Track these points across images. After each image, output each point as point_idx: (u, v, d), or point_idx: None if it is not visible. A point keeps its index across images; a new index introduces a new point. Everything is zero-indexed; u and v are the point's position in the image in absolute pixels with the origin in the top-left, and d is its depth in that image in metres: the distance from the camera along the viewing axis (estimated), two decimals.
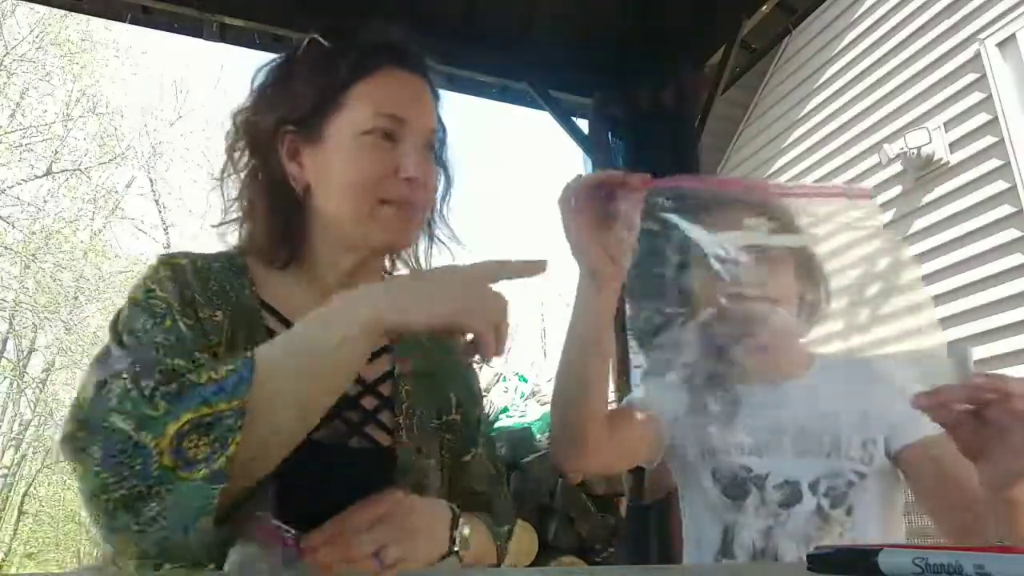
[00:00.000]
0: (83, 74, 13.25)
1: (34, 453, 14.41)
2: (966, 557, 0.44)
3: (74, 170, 13.24)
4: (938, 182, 4.55)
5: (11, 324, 12.90)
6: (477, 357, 0.73)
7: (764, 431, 1.08)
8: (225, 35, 2.56)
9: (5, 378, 13.44)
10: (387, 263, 1.04)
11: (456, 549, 0.81)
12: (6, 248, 12.17)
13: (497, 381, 3.60)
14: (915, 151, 4.50)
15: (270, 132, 0.91)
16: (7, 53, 12.23)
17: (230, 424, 0.64)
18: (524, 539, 2.56)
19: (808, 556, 0.56)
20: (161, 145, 14.65)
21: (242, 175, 0.95)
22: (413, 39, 0.95)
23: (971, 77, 4.38)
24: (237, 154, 0.95)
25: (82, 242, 13.24)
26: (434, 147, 0.96)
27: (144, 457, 0.63)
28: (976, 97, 4.34)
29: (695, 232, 0.89)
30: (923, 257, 4.58)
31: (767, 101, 6.00)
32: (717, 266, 0.89)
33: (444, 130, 1.01)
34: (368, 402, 0.90)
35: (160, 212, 14.90)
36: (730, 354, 1.05)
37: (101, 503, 0.64)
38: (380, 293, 0.73)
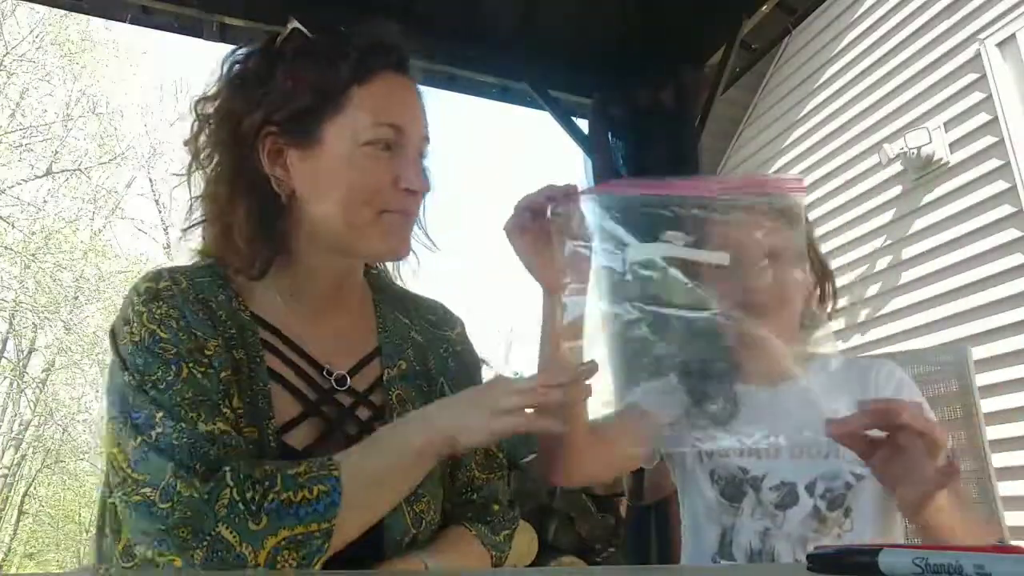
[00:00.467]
0: (83, 74, 13.28)
1: (34, 453, 14.40)
2: (966, 557, 0.44)
3: (74, 170, 13.25)
4: (938, 182, 4.54)
5: (11, 324, 12.91)
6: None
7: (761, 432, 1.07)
8: (225, 35, 2.55)
9: (5, 378, 13.44)
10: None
11: None
12: (6, 248, 12.17)
13: None
14: (915, 151, 4.49)
15: (251, 130, 0.86)
16: (7, 53, 12.23)
17: (318, 544, 0.73)
18: (524, 539, 2.56)
19: (808, 556, 0.56)
20: (161, 145, 14.67)
21: (208, 171, 0.90)
22: (406, 39, 0.92)
23: (971, 77, 4.37)
24: (206, 150, 0.90)
25: (82, 242, 13.25)
26: (424, 155, 0.94)
27: (241, 562, 0.71)
28: (976, 97, 4.34)
29: (630, 240, 0.92)
30: (923, 257, 4.58)
31: (767, 101, 5.99)
32: (646, 273, 0.91)
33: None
34: (362, 412, 0.90)
35: (160, 212, 14.92)
36: (730, 350, 1.05)
37: None
38: (454, 415, 0.81)
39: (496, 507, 0.98)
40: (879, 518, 1.05)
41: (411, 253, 0.97)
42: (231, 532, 0.70)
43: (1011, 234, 4.08)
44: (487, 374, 1.06)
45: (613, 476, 2.10)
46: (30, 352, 13.84)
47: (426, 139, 0.93)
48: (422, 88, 0.97)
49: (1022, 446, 3.79)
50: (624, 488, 2.68)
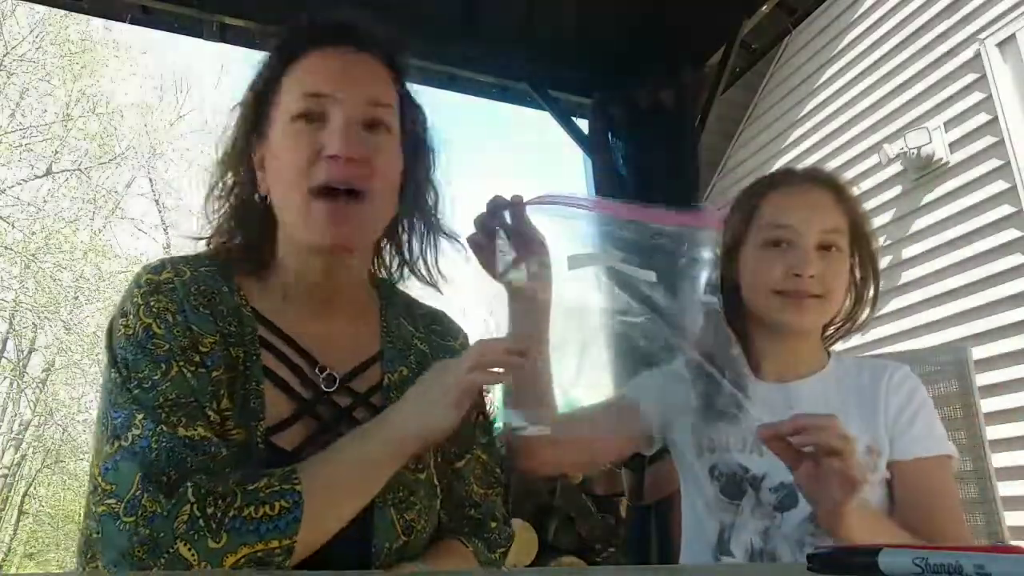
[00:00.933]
0: (83, 74, 13.25)
1: (34, 453, 14.41)
2: (966, 557, 0.44)
3: (74, 170, 13.24)
4: (938, 182, 4.54)
5: (11, 324, 12.91)
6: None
7: None
8: (225, 35, 2.56)
9: (5, 378, 13.44)
10: (376, 265, 1.02)
11: None
12: (6, 248, 12.17)
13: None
14: (915, 151, 4.49)
15: (243, 143, 0.90)
16: (7, 53, 12.24)
17: (279, 561, 0.71)
18: (524, 539, 2.56)
19: (808, 556, 0.56)
20: (161, 145, 14.66)
21: (220, 189, 0.94)
22: (360, 17, 0.91)
23: (971, 77, 4.37)
24: (227, 173, 0.94)
25: (82, 242, 13.24)
26: (387, 125, 0.87)
27: None
28: (976, 97, 4.34)
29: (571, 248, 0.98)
30: (923, 257, 4.58)
31: (767, 101, 5.99)
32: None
33: (416, 110, 0.96)
34: (360, 414, 0.88)
35: (160, 212, 14.91)
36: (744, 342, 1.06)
37: None
38: (412, 413, 0.81)
39: (493, 524, 0.97)
40: None
41: (412, 269, 1.00)
42: (189, 550, 0.69)
43: (1011, 234, 4.08)
44: None
45: (594, 466, 2.14)
46: (30, 352, 13.84)
47: (383, 107, 0.87)
48: (420, 88, 0.97)
49: (1022, 446, 3.79)
50: (624, 488, 2.68)
